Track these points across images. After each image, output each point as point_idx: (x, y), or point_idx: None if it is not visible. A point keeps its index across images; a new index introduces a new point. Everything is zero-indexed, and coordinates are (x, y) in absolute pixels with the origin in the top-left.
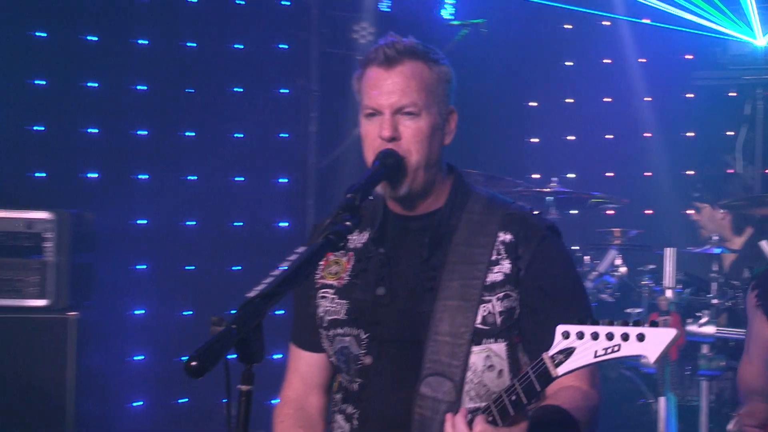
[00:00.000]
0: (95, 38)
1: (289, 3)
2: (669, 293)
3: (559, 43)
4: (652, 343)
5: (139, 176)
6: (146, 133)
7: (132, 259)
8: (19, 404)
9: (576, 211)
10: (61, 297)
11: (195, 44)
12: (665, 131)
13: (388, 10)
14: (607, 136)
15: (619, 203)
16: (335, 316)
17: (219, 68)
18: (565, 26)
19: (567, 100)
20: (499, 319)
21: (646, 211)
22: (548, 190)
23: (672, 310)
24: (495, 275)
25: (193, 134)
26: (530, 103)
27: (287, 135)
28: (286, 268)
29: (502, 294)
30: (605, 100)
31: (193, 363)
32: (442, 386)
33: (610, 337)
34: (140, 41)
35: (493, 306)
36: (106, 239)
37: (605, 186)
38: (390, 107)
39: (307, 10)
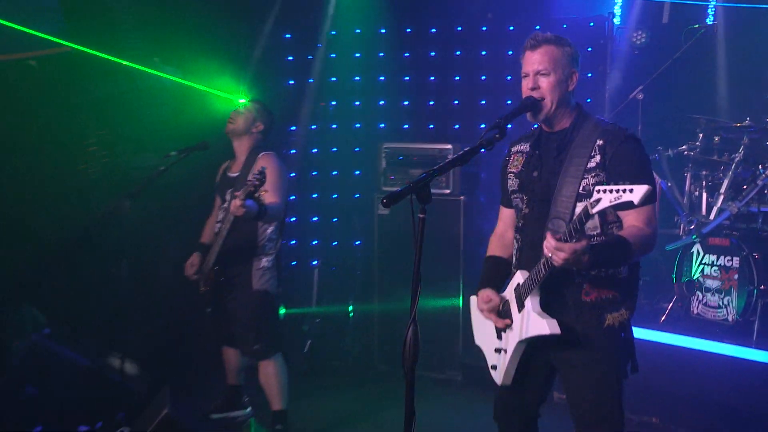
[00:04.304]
0: None
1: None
2: None
3: None
4: (637, 193)
5: None
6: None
7: None
8: (439, 253)
9: None
10: (456, 188)
11: None
12: None
13: (665, 21)
14: None
15: None
16: (513, 188)
17: None
18: None
19: None
20: (592, 188)
21: None
22: (739, 125)
23: None
24: (591, 164)
25: None
26: None
27: None
28: (451, 157)
29: (594, 174)
30: None
31: (384, 201)
32: (559, 224)
33: (617, 191)
34: None
35: (588, 180)
36: (488, 160)
37: None
38: (533, 71)
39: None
